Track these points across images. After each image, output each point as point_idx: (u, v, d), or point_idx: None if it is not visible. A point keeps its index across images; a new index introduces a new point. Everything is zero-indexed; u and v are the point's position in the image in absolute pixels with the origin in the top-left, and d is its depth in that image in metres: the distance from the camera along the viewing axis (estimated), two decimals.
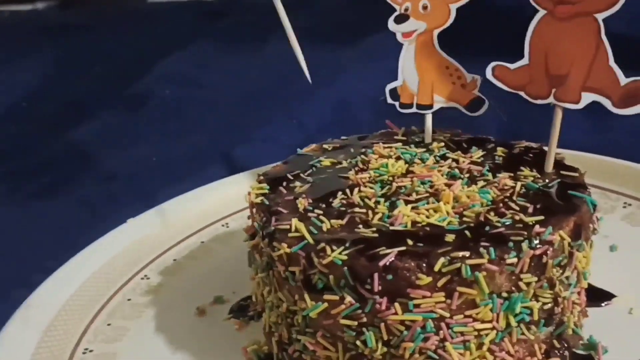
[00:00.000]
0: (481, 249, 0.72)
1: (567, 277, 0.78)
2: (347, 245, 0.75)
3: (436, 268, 0.72)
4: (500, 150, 0.95)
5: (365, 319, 0.74)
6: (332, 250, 0.75)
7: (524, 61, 0.90)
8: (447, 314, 0.73)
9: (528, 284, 0.74)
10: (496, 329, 0.74)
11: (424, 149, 0.98)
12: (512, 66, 0.91)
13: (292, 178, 0.93)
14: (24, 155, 1.68)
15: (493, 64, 0.92)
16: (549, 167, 0.90)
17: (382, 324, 0.74)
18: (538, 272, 0.75)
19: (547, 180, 0.86)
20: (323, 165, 0.96)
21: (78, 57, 2.20)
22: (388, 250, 0.73)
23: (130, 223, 1.18)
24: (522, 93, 0.91)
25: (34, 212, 1.42)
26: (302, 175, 0.94)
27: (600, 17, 0.84)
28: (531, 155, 0.94)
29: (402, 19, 1.01)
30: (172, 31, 2.19)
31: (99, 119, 1.83)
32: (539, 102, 0.90)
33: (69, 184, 1.51)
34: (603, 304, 0.92)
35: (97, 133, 1.75)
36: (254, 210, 0.90)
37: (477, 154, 0.94)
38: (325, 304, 0.76)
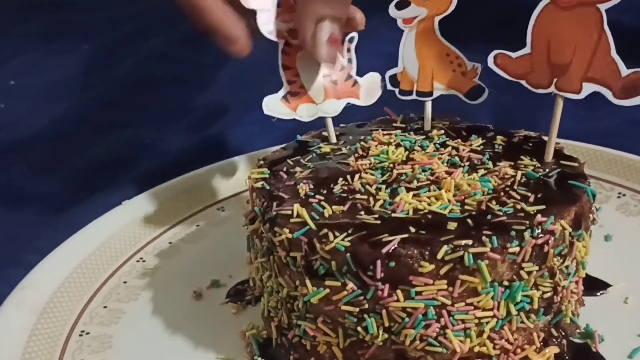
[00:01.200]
0: (483, 238, 0.73)
1: (566, 267, 0.79)
2: (350, 231, 0.75)
3: (439, 256, 0.72)
4: (499, 139, 0.95)
5: (366, 306, 0.75)
6: (335, 237, 0.75)
7: (526, 50, 0.90)
8: (449, 302, 0.73)
9: (529, 273, 0.75)
10: (497, 317, 0.75)
11: (423, 136, 0.98)
12: (514, 55, 0.91)
13: (292, 163, 0.93)
14: (12, 132, 1.65)
15: (495, 52, 0.92)
16: (549, 156, 0.90)
17: (384, 311, 0.74)
18: (539, 261, 0.75)
19: (547, 170, 0.86)
20: (323, 151, 0.96)
21: (63, 34, 2.16)
22: (390, 238, 0.73)
23: (125, 205, 1.17)
24: (523, 82, 0.91)
25: (25, 191, 1.41)
26: (302, 160, 0.94)
27: (603, 7, 0.84)
28: (530, 144, 0.94)
29: (403, 4, 1.01)
30: (158, 8, 2.15)
31: (89, 98, 1.80)
32: (540, 91, 0.90)
33: (60, 163, 1.49)
34: (598, 293, 0.93)
35: (88, 113, 1.72)
36: (254, 194, 0.89)
37: (476, 142, 0.94)
38: (327, 290, 0.76)
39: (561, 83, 0.88)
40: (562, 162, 0.89)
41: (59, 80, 1.89)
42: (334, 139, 1.00)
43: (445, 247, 0.72)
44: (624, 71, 0.84)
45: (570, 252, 0.78)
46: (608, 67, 0.85)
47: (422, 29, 1.00)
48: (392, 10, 1.02)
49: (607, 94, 0.85)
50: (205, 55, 1.78)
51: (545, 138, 0.96)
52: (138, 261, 1.09)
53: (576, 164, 0.88)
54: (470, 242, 0.72)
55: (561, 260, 0.77)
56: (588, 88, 0.87)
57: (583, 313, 0.89)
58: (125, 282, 1.04)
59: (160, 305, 0.98)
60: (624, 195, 1.14)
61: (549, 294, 0.78)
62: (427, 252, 0.72)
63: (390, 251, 0.73)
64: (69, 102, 1.77)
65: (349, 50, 1.00)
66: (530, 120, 1.04)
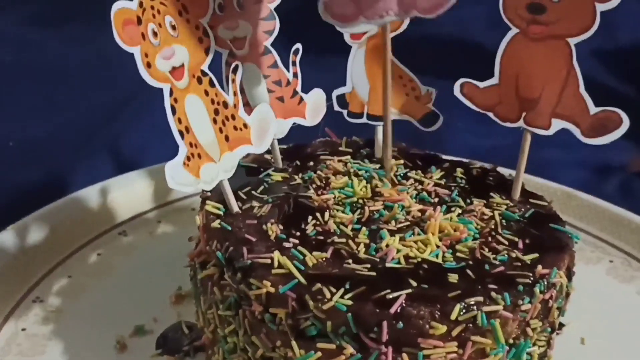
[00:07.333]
0: (493, 294, 0.67)
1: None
2: (347, 287, 0.66)
3: (452, 316, 0.65)
4: (459, 172, 0.90)
5: None
6: (331, 293, 0.65)
7: (494, 81, 0.86)
8: None
9: (534, 330, 0.70)
10: None
11: (378, 165, 0.90)
12: (481, 85, 0.87)
13: (245, 197, 0.81)
14: None
15: (461, 80, 0.87)
16: (517, 193, 0.86)
17: None
18: (542, 316, 0.71)
19: (522, 210, 0.83)
20: (274, 180, 0.86)
21: None
22: (395, 294, 0.65)
23: (11, 230, 0.98)
24: (490, 114, 0.87)
25: None
26: (254, 192, 0.82)
27: (573, 42, 0.81)
28: (491, 178, 0.90)
29: None
30: None
31: None
32: (507, 125, 0.86)
33: None
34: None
35: None
36: (208, 234, 0.77)
37: (437, 174, 0.89)
38: (319, 354, 0.66)
39: (530, 117, 0.85)
40: (530, 200, 0.85)
41: None
42: (280, 164, 0.90)
43: (458, 306, 0.65)
44: (592, 109, 0.82)
45: (566, 304, 0.75)
46: (577, 104, 0.82)
47: (373, 46, 0.93)
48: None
49: (576, 131, 0.83)
50: (71, 41, 1.56)
51: (500, 170, 0.93)
52: (35, 301, 0.91)
53: (545, 203, 0.85)
54: (481, 299, 0.66)
55: (558, 313, 0.74)
56: (557, 124, 0.84)
57: None
58: (24, 330, 0.86)
59: None
60: None
61: (544, 349, 0.74)
62: (437, 312, 0.65)
63: (398, 311, 0.64)
64: None
65: (294, 63, 0.90)
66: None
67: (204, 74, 0.75)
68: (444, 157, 0.95)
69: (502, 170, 0.93)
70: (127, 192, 1.11)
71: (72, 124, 1.36)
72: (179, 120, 0.71)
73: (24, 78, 1.56)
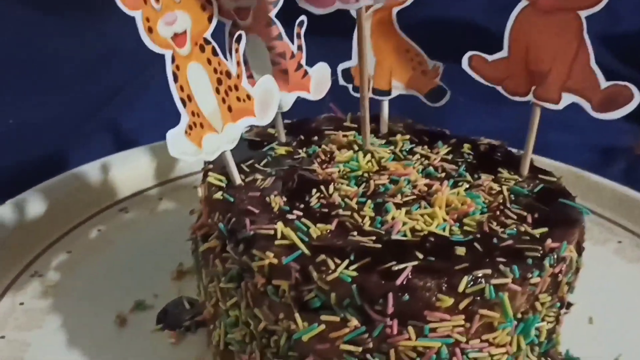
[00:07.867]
0: (502, 267, 0.65)
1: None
2: (352, 258, 0.64)
3: (460, 288, 0.63)
4: (466, 147, 0.88)
5: (371, 345, 0.64)
6: (336, 264, 0.64)
7: (503, 54, 0.84)
8: (464, 339, 0.65)
9: (543, 304, 0.68)
10: (508, 353, 0.68)
11: (384, 140, 0.89)
12: (490, 58, 0.85)
13: (247, 169, 0.80)
14: None
15: (470, 53, 0.85)
16: (525, 169, 0.84)
17: (392, 350, 0.64)
18: (551, 290, 0.69)
19: (530, 185, 0.81)
20: (278, 153, 0.84)
21: None
22: (401, 266, 0.64)
23: (9, 205, 0.96)
24: (499, 88, 0.85)
25: None
26: (257, 165, 0.81)
27: (583, 14, 0.79)
28: (499, 154, 0.88)
29: None
30: None
31: None
32: (517, 98, 0.84)
33: None
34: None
35: None
36: (209, 207, 0.75)
37: (443, 149, 0.87)
38: (322, 326, 0.65)
39: (540, 91, 0.83)
40: (539, 176, 0.84)
41: None
42: (283, 138, 0.88)
43: (466, 278, 0.63)
44: (603, 83, 0.80)
45: (576, 279, 0.73)
46: (587, 78, 0.80)
47: (379, 20, 0.91)
48: None
49: (586, 106, 0.81)
50: (71, 24, 1.54)
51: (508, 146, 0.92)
52: (33, 275, 0.90)
53: (554, 179, 0.84)
54: (489, 272, 0.64)
55: (567, 288, 0.72)
56: (567, 98, 0.82)
57: None
58: (22, 304, 0.85)
59: (75, 335, 0.81)
60: None
61: (552, 325, 0.73)
62: (444, 284, 0.63)
63: (404, 282, 0.63)
64: None
65: (298, 35, 0.88)
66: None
67: (206, 42, 0.73)
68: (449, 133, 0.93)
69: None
70: (129, 169, 1.09)
71: (72, 105, 1.35)
72: (181, 88, 0.70)
73: (24, 61, 1.54)
